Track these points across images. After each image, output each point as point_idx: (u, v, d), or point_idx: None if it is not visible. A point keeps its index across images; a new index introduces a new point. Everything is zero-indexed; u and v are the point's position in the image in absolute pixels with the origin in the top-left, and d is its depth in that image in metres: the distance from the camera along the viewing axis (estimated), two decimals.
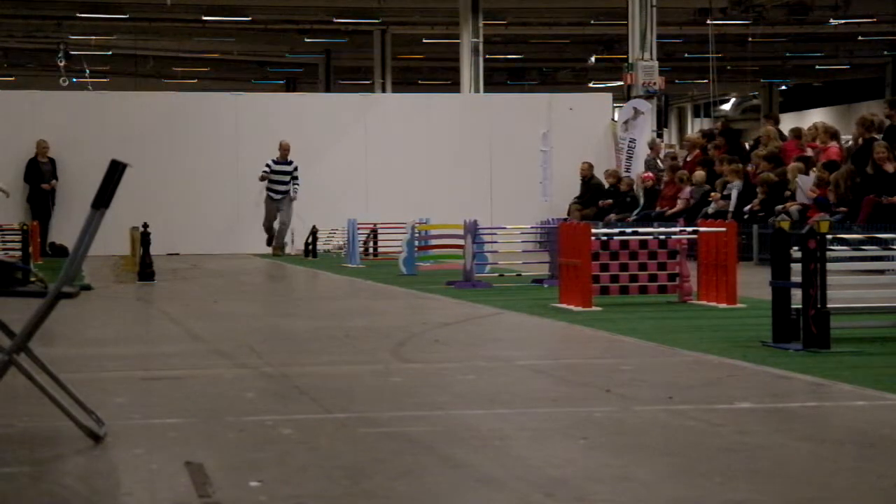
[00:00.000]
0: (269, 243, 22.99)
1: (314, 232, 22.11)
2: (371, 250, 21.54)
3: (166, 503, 3.89)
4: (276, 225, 22.95)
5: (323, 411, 5.61)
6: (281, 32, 39.18)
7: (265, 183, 22.93)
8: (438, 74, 44.80)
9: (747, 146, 23.05)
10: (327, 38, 40.54)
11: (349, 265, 18.68)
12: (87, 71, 41.49)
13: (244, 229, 24.48)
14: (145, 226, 15.39)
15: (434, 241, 17.02)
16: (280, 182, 22.84)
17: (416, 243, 16.58)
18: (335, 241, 22.79)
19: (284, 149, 22.98)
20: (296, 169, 22.93)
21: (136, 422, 5.29)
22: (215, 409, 5.57)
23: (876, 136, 17.36)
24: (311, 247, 22.01)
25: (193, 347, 8.34)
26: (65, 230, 22.73)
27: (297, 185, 22.93)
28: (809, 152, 19.42)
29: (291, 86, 47.99)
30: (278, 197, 22.84)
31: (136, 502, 3.93)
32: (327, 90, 41.67)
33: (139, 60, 42.30)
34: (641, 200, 23.47)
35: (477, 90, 30.35)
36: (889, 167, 16.38)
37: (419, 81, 45.67)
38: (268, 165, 22.86)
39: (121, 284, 14.92)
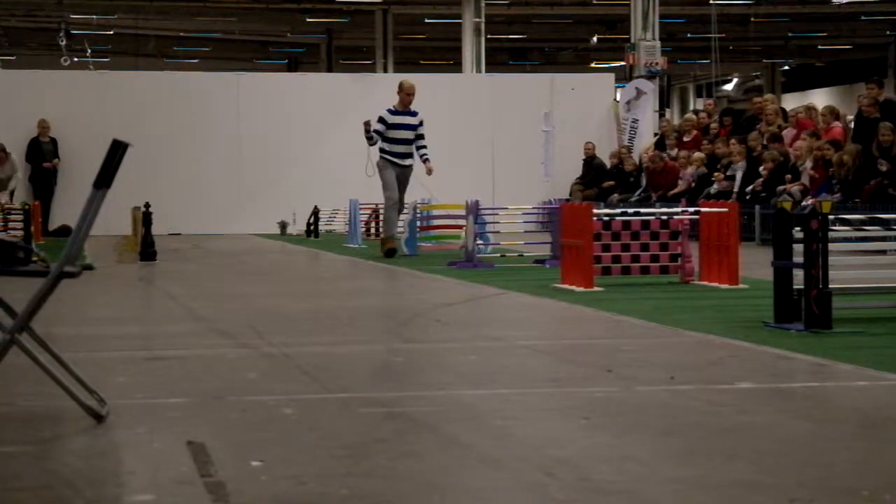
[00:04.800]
0: (386, 232, 15.94)
1: (316, 212, 22.11)
2: (373, 231, 21.55)
3: (168, 482, 3.89)
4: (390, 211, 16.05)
5: (324, 391, 5.61)
6: (283, 12, 39.11)
7: (376, 146, 16.01)
8: (440, 55, 44.72)
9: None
10: (329, 17, 40.47)
11: (351, 245, 18.68)
12: (89, 50, 41.43)
13: (246, 209, 24.50)
14: (147, 206, 15.40)
15: (436, 222, 17.01)
16: (402, 141, 15.85)
17: (418, 223, 16.57)
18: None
19: (407, 92, 15.97)
20: (421, 123, 15.94)
21: (138, 401, 5.30)
22: (217, 389, 5.57)
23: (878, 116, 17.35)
24: (312, 227, 22.01)
25: (195, 327, 8.34)
26: (66, 210, 22.73)
27: (425, 147, 15.95)
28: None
29: (294, 66, 47.91)
30: (405, 163, 15.86)
31: (139, 481, 3.93)
32: (329, 70, 41.60)
33: (140, 40, 42.24)
34: (644, 181, 23.47)
35: (479, 70, 30.29)
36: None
37: (421, 62, 45.59)
38: (381, 120, 15.82)
39: (122, 264, 14.92)
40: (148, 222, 15.25)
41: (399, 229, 16.01)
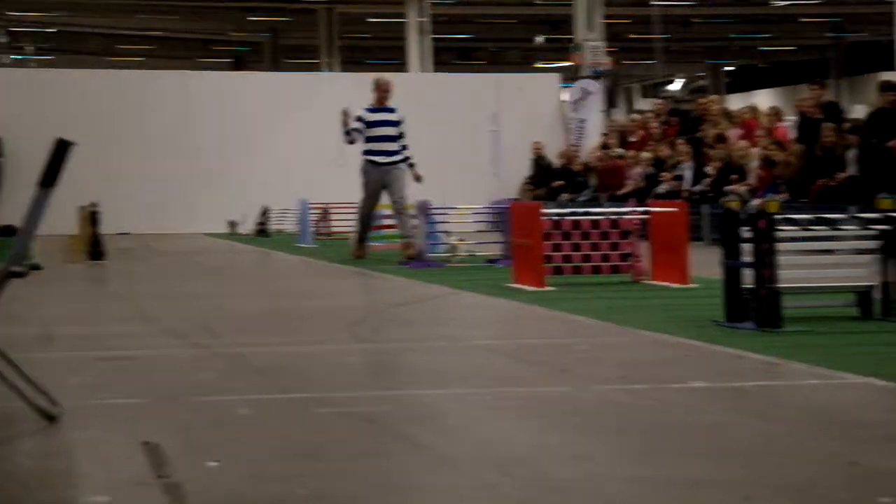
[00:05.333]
0: (359, 238, 15.16)
1: (266, 211, 22.03)
2: (323, 230, 21.51)
3: (123, 484, 3.87)
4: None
5: (280, 391, 5.60)
6: (226, 10, 38.93)
7: (356, 145, 15.22)
8: (385, 54, 44.70)
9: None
10: (273, 16, 40.33)
11: (302, 245, 18.62)
12: (30, 48, 41.01)
13: (195, 208, 24.36)
14: (94, 205, 15.27)
15: (387, 221, 16.99)
16: (385, 138, 14.89)
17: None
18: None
19: (383, 89, 15.11)
20: (402, 121, 15.04)
21: (91, 402, 5.26)
22: (172, 390, 5.54)
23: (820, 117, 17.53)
24: (262, 226, 21.93)
25: (147, 328, 8.28)
26: (11, 210, 22.49)
27: (406, 148, 15.04)
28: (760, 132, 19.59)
29: (238, 64, 47.71)
30: (392, 160, 14.85)
31: (94, 483, 3.91)
32: (274, 69, 41.45)
33: (83, 38, 41.88)
34: (592, 181, 23.58)
35: (424, 70, 30.29)
36: (839, 149, 16.54)
37: (366, 61, 45.54)
38: (359, 118, 14.89)
39: (71, 264, 14.79)
40: (96, 222, 15.13)
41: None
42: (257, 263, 16.29)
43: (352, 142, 14.95)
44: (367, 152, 14.86)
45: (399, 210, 14.63)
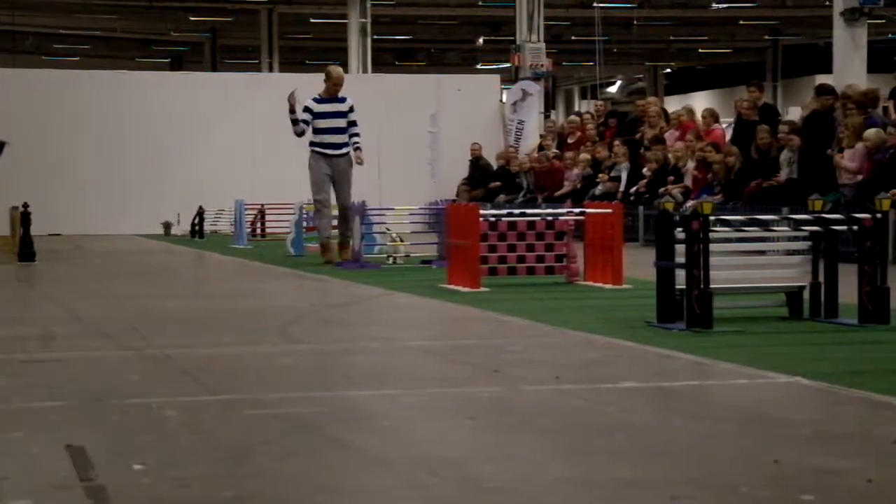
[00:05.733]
0: (321, 236, 14.41)
1: (200, 212, 21.88)
2: (259, 231, 21.39)
3: (46, 487, 3.81)
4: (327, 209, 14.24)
5: (208, 393, 5.55)
6: (166, 10, 38.63)
7: (306, 137, 14.26)
8: (326, 55, 44.54)
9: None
10: (213, 16, 40.08)
11: (237, 246, 18.52)
12: None
13: (129, 210, 24.14)
14: (25, 206, 15.08)
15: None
16: (333, 130, 14.15)
17: (305, 224, 16.48)
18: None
19: (335, 79, 14.36)
20: (352, 109, 14.29)
21: (15, 405, 5.18)
22: (98, 392, 5.47)
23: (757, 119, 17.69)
24: (197, 227, 21.78)
25: (75, 329, 8.19)
26: None
27: (358, 135, 14.24)
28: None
29: (177, 64, 47.37)
30: (339, 153, 14.14)
31: (15, 486, 3.84)
32: (214, 69, 41.20)
33: (18, 37, 41.39)
34: (525, 183, 23.64)
35: (365, 70, 30.21)
36: (773, 151, 16.68)
37: (307, 62, 45.38)
38: (306, 110, 14.13)
39: (0, 265, 14.60)
40: (26, 222, 14.94)
41: (333, 231, 14.44)
42: (191, 265, 16.18)
43: (300, 133, 14.12)
44: (313, 144, 14.12)
45: (344, 213, 14.08)
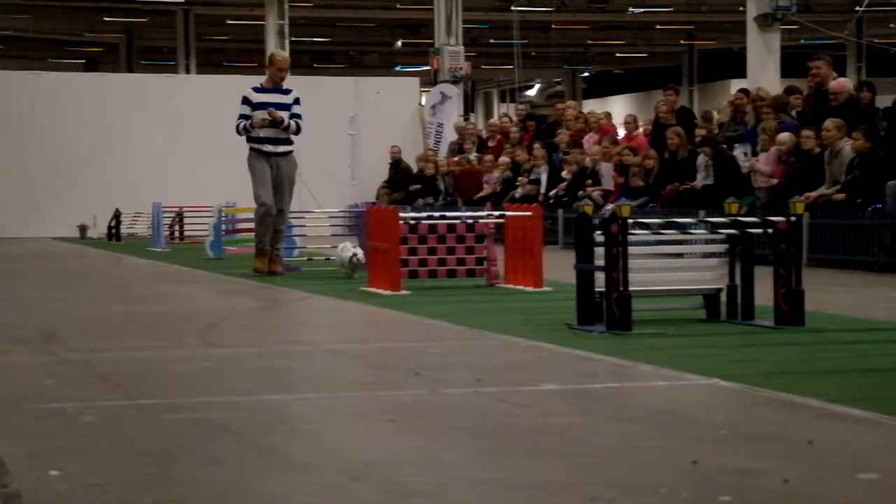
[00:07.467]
0: (259, 248, 12.88)
1: (117, 215, 21.66)
2: (177, 234, 21.20)
3: None
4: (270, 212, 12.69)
5: (127, 398, 5.49)
6: (80, 10, 38.16)
7: (248, 132, 12.78)
8: (244, 56, 44.29)
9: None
10: (128, 17, 39.68)
11: (154, 249, 18.34)
12: None
13: (44, 212, 23.81)
14: None
15: (242, 225, 16.84)
16: (270, 124, 12.67)
17: (224, 227, 16.38)
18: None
19: (279, 63, 12.92)
20: (296, 101, 12.79)
21: None
22: (13, 397, 5.39)
23: (673, 122, 17.88)
24: (114, 230, 21.55)
25: None
26: None
27: (299, 117, 12.76)
28: (620, 136, 19.96)
29: (92, 66, 46.83)
30: (280, 150, 12.75)
31: None
32: (129, 70, 40.78)
33: None
34: (442, 186, 23.69)
35: None
36: (683, 153, 16.88)
37: (224, 63, 45.08)
38: (245, 101, 12.77)
39: None
40: None
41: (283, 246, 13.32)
42: (108, 268, 15.99)
43: (242, 132, 12.71)
44: (252, 140, 12.68)
45: (264, 213, 12.65)
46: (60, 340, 7.45)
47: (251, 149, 12.73)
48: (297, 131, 12.70)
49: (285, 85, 12.84)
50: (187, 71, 37.85)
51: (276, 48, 30.32)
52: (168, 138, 24.80)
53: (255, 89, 12.76)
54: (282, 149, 12.68)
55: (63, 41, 44.98)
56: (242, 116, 12.65)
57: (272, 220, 12.64)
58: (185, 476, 3.94)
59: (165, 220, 19.81)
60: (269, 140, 12.63)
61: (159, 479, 3.91)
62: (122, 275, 14.96)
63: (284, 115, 12.60)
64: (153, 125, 24.85)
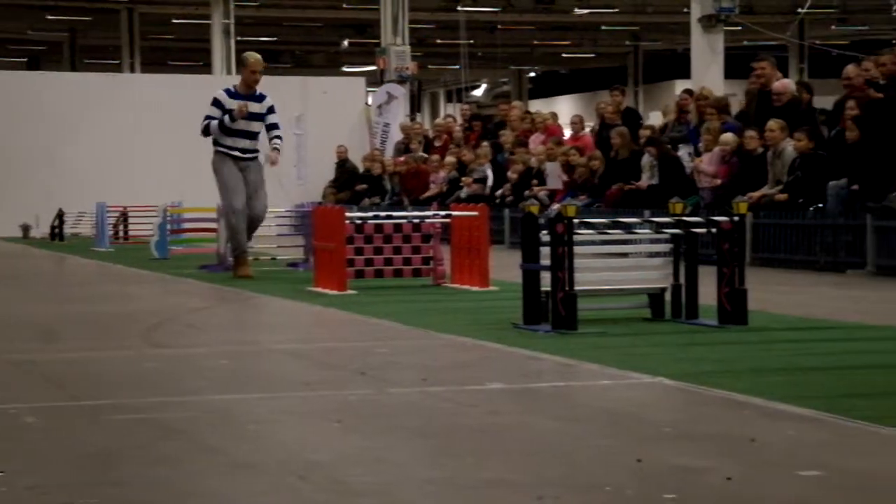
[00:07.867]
0: (236, 253, 12.50)
1: (61, 215, 21.47)
2: (121, 234, 21.05)
3: None
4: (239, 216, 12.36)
5: (70, 399, 5.45)
6: (22, 8, 37.77)
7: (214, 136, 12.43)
8: (189, 56, 44.02)
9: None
10: (72, 15, 39.32)
11: (98, 249, 18.20)
12: None
13: None
14: None
15: (187, 225, 16.76)
16: (245, 133, 12.40)
17: (169, 226, 16.29)
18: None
19: (252, 69, 12.47)
20: (271, 110, 12.57)
21: None
22: None
23: (618, 123, 17.97)
24: (57, 230, 21.36)
25: None
26: None
27: (279, 138, 12.62)
28: (567, 136, 20.05)
29: (34, 64, 46.37)
30: (244, 157, 12.43)
31: None
32: (73, 69, 40.42)
33: None
34: (388, 186, 23.68)
35: (229, 72, 29.92)
36: (624, 153, 16.98)
37: (169, 62, 44.78)
38: (216, 103, 12.35)
39: None
40: None
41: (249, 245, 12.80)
42: (51, 268, 15.85)
43: (207, 133, 12.32)
44: (219, 145, 12.28)
45: (256, 220, 12.53)
46: (2, 341, 7.37)
47: (218, 152, 12.35)
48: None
49: (259, 90, 12.52)
50: (132, 70, 37.57)
51: (222, 47, 30.26)
52: (112, 137, 24.60)
53: (229, 93, 12.36)
54: (251, 155, 12.47)
55: (5, 39, 44.48)
56: (210, 117, 12.27)
57: (246, 225, 12.37)
58: (131, 476, 3.92)
59: (110, 220, 19.66)
60: (239, 149, 12.32)
61: (105, 479, 3.89)
62: (66, 275, 14.83)
63: (274, 155, 12.36)
64: (97, 124, 24.64)
